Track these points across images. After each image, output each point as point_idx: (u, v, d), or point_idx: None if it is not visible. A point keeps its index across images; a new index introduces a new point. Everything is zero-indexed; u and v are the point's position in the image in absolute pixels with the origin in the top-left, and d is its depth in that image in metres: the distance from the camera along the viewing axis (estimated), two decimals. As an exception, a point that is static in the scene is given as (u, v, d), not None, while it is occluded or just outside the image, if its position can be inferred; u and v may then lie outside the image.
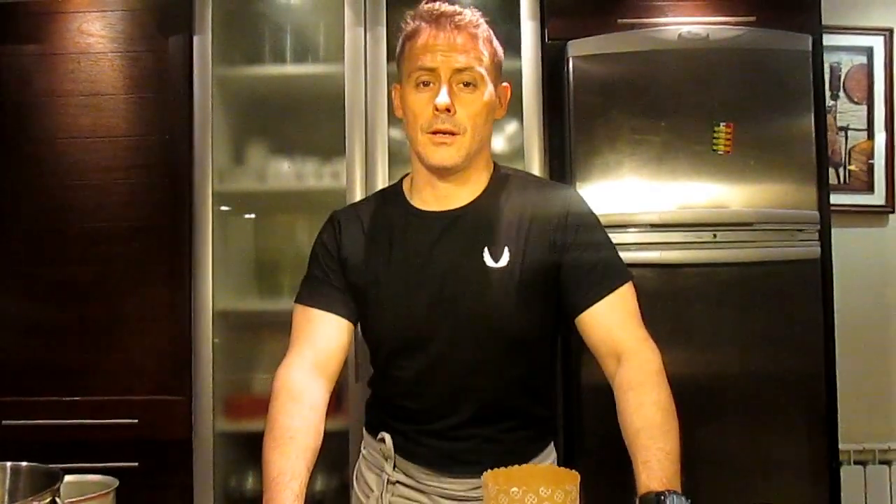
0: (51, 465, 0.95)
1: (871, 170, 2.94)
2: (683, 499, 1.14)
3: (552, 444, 1.49)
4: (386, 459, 1.42)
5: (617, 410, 1.29)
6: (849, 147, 2.93)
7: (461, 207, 1.40)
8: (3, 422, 2.26)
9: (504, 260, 1.36)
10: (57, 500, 0.88)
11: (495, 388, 1.37)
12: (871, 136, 2.94)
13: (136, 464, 2.20)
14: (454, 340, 1.35)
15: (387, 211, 1.46)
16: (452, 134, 1.33)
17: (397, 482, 1.41)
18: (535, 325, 1.39)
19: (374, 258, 1.40)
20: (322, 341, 1.39)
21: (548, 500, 1.04)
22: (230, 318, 2.44)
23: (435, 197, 1.41)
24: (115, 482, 1.10)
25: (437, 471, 1.39)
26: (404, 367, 1.39)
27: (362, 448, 1.54)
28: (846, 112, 2.93)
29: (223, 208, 2.45)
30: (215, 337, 2.34)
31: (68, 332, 2.35)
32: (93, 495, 1.06)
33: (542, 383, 1.47)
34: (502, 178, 1.45)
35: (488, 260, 1.36)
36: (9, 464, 0.98)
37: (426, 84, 1.34)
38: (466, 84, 1.33)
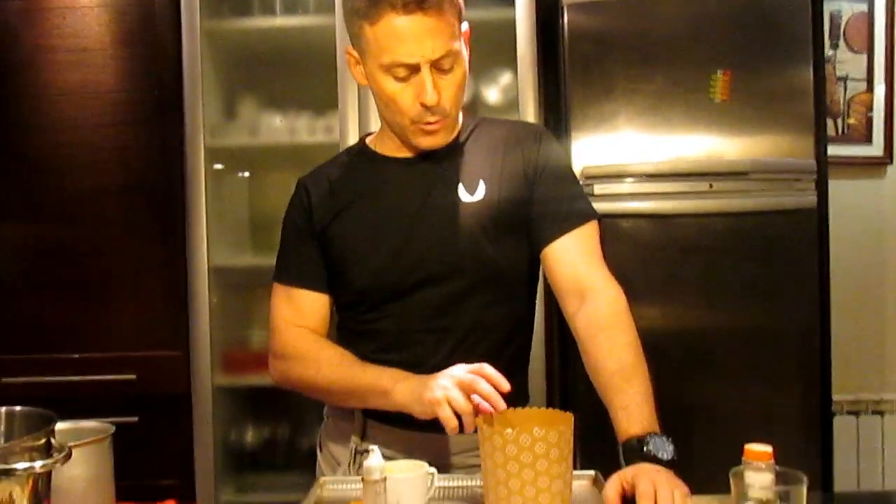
0: (45, 410, 0.95)
1: (869, 122, 2.92)
2: (665, 439, 1.15)
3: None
4: (354, 426, 1.40)
5: (583, 351, 1.28)
6: (848, 98, 2.91)
7: (434, 151, 1.38)
8: (2, 379, 2.27)
9: (479, 194, 1.35)
10: (52, 440, 0.88)
11: (475, 328, 1.35)
12: (870, 87, 2.91)
13: (136, 419, 2.22)
14: (434, 279, 1.34)
15: (355, 166, 1.44)
16: (441, 120, 1.32)
17: (366, 451, 1.34)
18: (513, 260, 1.38)
19: (348, 214, 1.38)
20: (305, 319, 1.39)
21: (541, 440, 1.04)
22: (225, 274, 2.44)
23: (409, 149, 1.39)
24: (112, 428, 1.11)
25: (413, 428, 1.33)
26: (383, 318, 1.37)
27: (325, 416, 1.52)
28: (846, 61, 2.90)
29: (216, 166, 2.44)
30: (211, 293, 2.34)
31: (64, 289, 2.36)
32: (90, 440, 1.06)
33: (522, 331, 1.45)
34: (473, 120, 1.44)
35: (463, 195, 1.35)
36: (3, 408, 0.98)
37: (403, 73, 1.27)
38: (446, 66, 1.28)
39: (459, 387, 1.15)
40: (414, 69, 1.26)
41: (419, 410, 1.18)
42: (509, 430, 1.06)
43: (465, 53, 1.33)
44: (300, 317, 1.40)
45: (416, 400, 1.19)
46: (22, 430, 0.96)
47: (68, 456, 0.86)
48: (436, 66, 1.27)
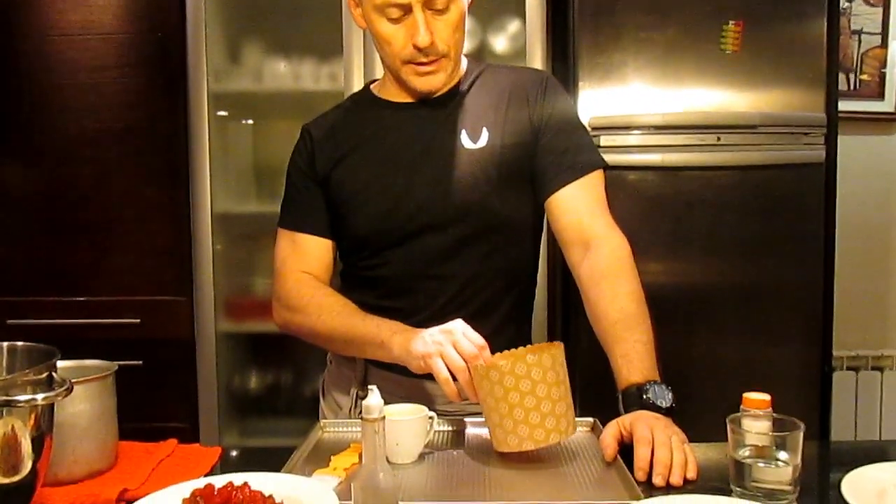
0: (47, 345, 0.95)
1: (882, 78, 2.88)
2: (664, 387, 1.15)
3: None
4: (355, 371, 1.41)
5: (586, 300, 1.29)
6: (861, 52, 2.86)
7: (439, 96, 1.37)
8: (7, 321, 2.29)
9: (483, 140, 1.34)
10: (54, 374, 0.89)
11: (477, 276, 1.35)
12: (885, 42, 2.86)
13: (140, 362, 2.24)
14: (435, 226, 1.33)
15: (358, 111, 1.43)
16: (435, 61, 1.29)
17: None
18: (516, 208, 1.37)
19: (350, 160, 1.37)
20: (309, 264, 1.39)
21: (536, 366, 1.06)
22: (230, 221, 2.43)
23: (412, 94, 1.37)
24: (115, 366, 1.12)
25: (414, 375, 1.32)
26: (386, 264, 1.37)
27: (329, 361, 1.53)
28: (861, 14, 2.84)
29: (220, 113, 2.42)
30: (215, 239, 2.35)
31: (68, 232, 2.36)
32: (94, 377, 1.07)
33: (525, 280, 1.45)
34: (478, 66, 1.42)
35: (466, 141, 1.34)
36: (5, 343, 0.99)
37: (396, 14, 1.26)
38: (440, 9, 1.26)
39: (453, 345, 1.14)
40: (406, 9, 1.25)
41: (415, 365, 1.18)
42: (503, 363, 1.07)
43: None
44: (304, 262, 1.40)
45: (411, 354, 1.18)
46: (24, 364, 0.97)
47: (70, 389, 0.86)
48: (428, 5, 1.25)
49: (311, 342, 1.41)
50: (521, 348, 1.19)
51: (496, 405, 1.07)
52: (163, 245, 2.35)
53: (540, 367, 1.06)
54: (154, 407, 2.27)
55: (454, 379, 1.13)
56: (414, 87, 1.33)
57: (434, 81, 1.32)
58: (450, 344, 1.14)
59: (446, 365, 1.13)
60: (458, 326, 1.16)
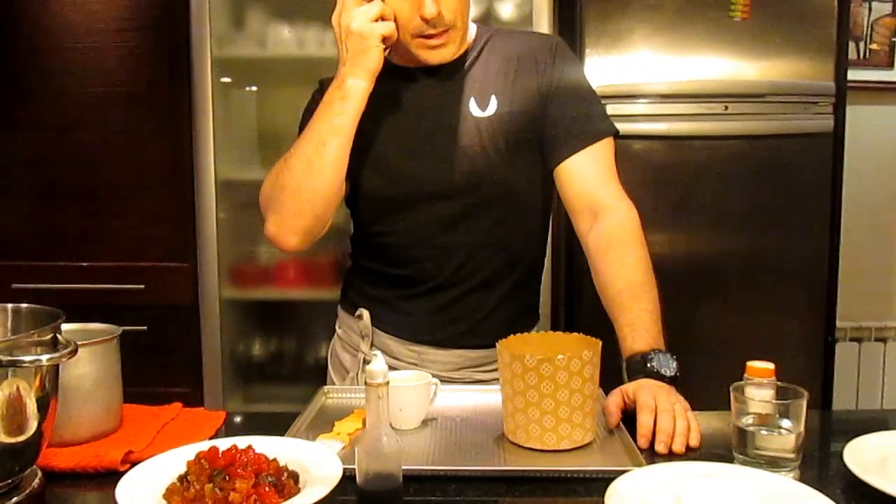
0: (52, 308, 0.95)
1: (892, 47, 2.84)
2: (669, 356, 1.15)
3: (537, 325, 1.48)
4: (363, 338, 1.41)
5: (593, 268, 1.28)
6: (872, 20, 2.82)
7: (447, 64, 1.34)
8: (13, 285, 2.29)
9: (491, 108, 1.32)
10: (58, 336, 0.89)
11: (485, 245, 1.35)
12: (896, 11, 2.82)
13: (144, 328, 2.25)
14: (444, 193, 1.33)
15: None
16: (444, 32, 1.27)
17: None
18: (525, 177, 1.36)
19: (362, 122, 1.33)
20: None
21: (563, 370, 1.00)
22: (234, 188, 2.42)
23: (423, 62, 1.35)
24: (119, 329, 1.12)
25: (420, 341, 1.37)
26: (394, 231, 1.36)
27: (337, 327, 1.52)
28: (872, -18, 2.80)
29: (224, 80, 2.40)
30: (219, 206, 2.34)
31: (72, 197, 2.36)
32: (99, 339, 1.07)
33: (533, 249, 1.44)
34: (486, 32, 1.40)
35: (475, 109, 1.32)
36: (10, 305, 0.99)
37: None
38: None
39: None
40: None
41: (360, 63, 1.21)
42: (529, 357, 1.02)
43: None
44: None
45: (350, 52, 1.22)
46: (29, 326, 0.97)
47: (74, 351, 0.86)
48: None
49: (295, 201, 1.27)
50: (556, 334, 1.14)
51: (513, 396, 1.04)
52: (167, 211, 2.35)
53: (566, 371, 1.01)
54: (158, 372, 2.28)
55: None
56: (424, 60, 1.31)
57: (444, 53, 1.30)
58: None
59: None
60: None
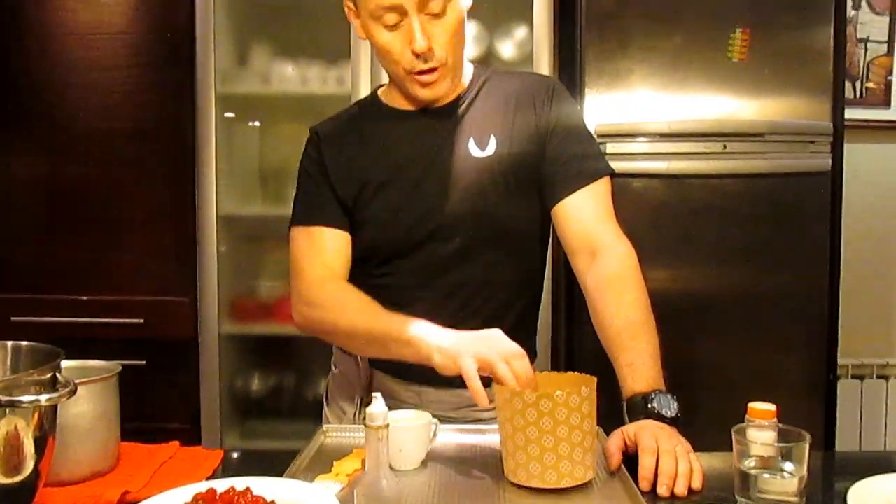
0: (52, 346, 0.95)
1: (888, 86, 2.87)
2: (669, 396, 1.15)
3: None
4: (360, 377, 1.40)
5: (592, 308, 1.28)
6: (868, 60, 2.85)
7: (445, 105, 1.36)
8: (12, 318, 2.29)
9: (490, 148, 1.33)
10: (58, 375, 0.88)
11: (484, 285, 1.35)
12: (891, 50, 2.86)
13: (143, 362, 2.24)
14: (443, 235, 1.33)
15: (367, 118, 1.42)
16: (435, 69, 1.28)
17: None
18: (524, 216, 1.37)
19: (359, 166, 1.36)
20: (328, 258, 1.35)
21: (563, 406, 1.00)
22: (235, 223, 2.44)
23: (419, 102, 1.37)
24: (118, 367, 1.12)
25: (419, 380, 1.36)
26: (394, 272, 1.36)
27: (333, 366, 1.51)
28: (867, 23, 2.84)
29: (228, 114, 2.42)
30: (220, 241, 2.35)
31: (75, 231, 2.36)
32: (97, 378, 1.07)
33: (531, 289, 1.44)
34: (483, 73, 1.41)
35: (474, 150, 1.33)
36: (9, 342, 0.99)
37: (392, 19, 1.25)
38: (436, 9, 1.24)
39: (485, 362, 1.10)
40: (402, 13, 1.24)
41: (441, 363, 1.13)
42: (529, 394, 1.02)
43: (464, 1, 1.30)
44: (322, 256, 1.35)
45: (442, 352, 1.13)
46: (28, 364, 0.97)
47: (73, 391, 0.86)
48: (424, 10, 1.24)
49: (329, 340, 1.39)
50: (552, 374, 1.14)
51: (513, 434, 1.04)
52: (168, 245, 2.36)
53: (566, 407, 1.01)
54: (156, 407, 2.27)
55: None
56: (418, 96, 1.32)
57: (437, 91, 1.31)
58: (485, 346, 1.10)
59: (482, 360, 1.09)
60: (495, 334, 1.13)
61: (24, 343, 0.98)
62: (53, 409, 0.90)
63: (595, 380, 1.07)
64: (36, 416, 0.86)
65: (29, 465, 0.86)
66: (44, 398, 0.83)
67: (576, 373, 1.12)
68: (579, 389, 1.02)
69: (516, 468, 1.04)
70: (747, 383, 2.18)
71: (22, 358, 0.98)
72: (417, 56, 1.25)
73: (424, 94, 1.31)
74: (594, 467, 1.05)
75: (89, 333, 2.27)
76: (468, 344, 1.12)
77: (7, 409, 0.82)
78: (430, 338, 1.16)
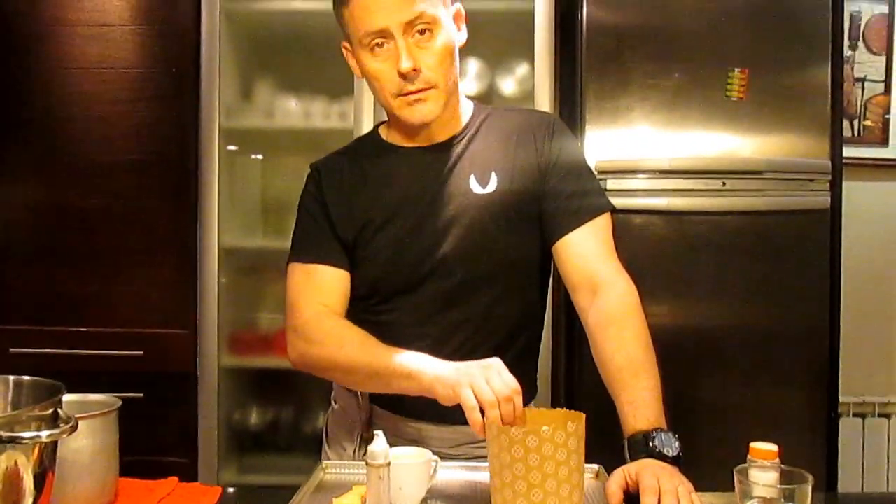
0: (53, 380, 0.95)
1: (886, 124, 2.90)
2: (671, 435, 1.14)
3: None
4: (361, 414, 1.39)
5: (593, 345, 1.28)
6: (865, 99, 2.89)
7: (445, 141, 1.37)
8: (11, 350, 2.29)
9: (491, 186, 1.34)
10: (59, 411, 0.88)
11: (486, 321, 1.35)
12: (888, 88, 2.89)
13: (141, 395, 2.23)
14: (444, 271, 1.33)
15: (367, 155, 1.43)
16: (424, 90, 1.29)
17: (371, 438, 1.32)
18: (525, 252, 1.37)
19: (359, 203, 1.37)
20: (326, 296, 1.35)
21: (549, 441, 1.01)
22: (236, 255, 2.45)
23: (417, 138, 1.38)
24: (118, 402, 1.11)
25: (420, 417, 1.35)
26: (394, 310, 1.36)
27: (333, 402, 1.51)
28: (864, 63, 2.88)
29: (230, 147, 2.44)
30: (221, 273, 2.35)
31: (76, 263, 2.37)
32: (97, 412, 1.07)
33: (533, 324, 1.45)
34: (483, 110, 1.43)
35: (475, 186, 1.34)
36: (11, 377, 0.99)
37: (380, 45, 1.27)
38: (422, 32, 1.26)
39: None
40: (387, 36, 1.26)
41: (443, 394, 1.14)
42: (516, 431, 1.02)
43: (452, 28, 1.32)
44: (320, 293, 1.35)
45: (442, 382, 1.14)
46: (29, 399, 0.97)
47: (75, 427, 0.86)
48: (410, 30, 1.26)
49: (327, 377, 1.37)
50: (540, 410, 1.14)
51: (501, 470, 1.04)
52: (169, 277, 2.36)
53: (552, 444, 1.01)
54: (153, 441, 2.25)
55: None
56: (406, 119, 1.32)
57: (424, 111, 1.30)
58: (483, 378, 1.11)
59: (476, 397, 1.09)
60: (495, 364, 1.14)
61: (26, 378, 0.98)
62: (54, 444, 0.90)
63: (583, 416, 1.07)
64: (36, 451, 0.86)
65: (28, 502, 0.86)
66: (45, 434, 0.83)
67: (565, 409, 1.13)
68: (565, 425, 1.03)
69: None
70: (747, 420, 2.17)
71: (24, 392, 0.98)
72: (404, 77, 1.27)
73: (413, 114, 1.30)
74: (582, 503, 1.05)
75: (89, 366, 2.26)
76: (468, 374, 1.12)
77: (8, 445, 0.81)
78: (430, 369, 1.16)
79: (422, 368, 1.17)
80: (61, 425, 0.86)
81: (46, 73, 2.35)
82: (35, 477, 0.86)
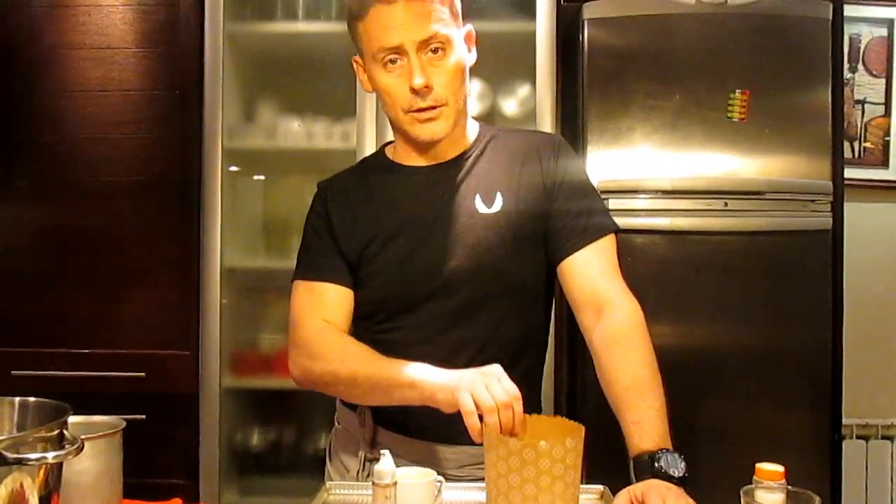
0: (59, 402, 0.95)
1: (886, 146, 2.92)
2: (677, 455, 1.14)
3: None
4: (364, 435, 1.39)
5: (598, 364, 1.28)
6: (865, 121, 2.90)
7: (451, 160, 1.39)
8: (13, 372, 2.28)
9: (497, 205, 1.35)
10: (65, 432, 0.88)
11: (490, 341, 1.35)
12: (888, 111, 2.91)
13: (143, 416, 2.22)
14: (448, 290, 1.33)
15: (373, 174, 1.44)
16: (435, 108, 1.31)
17: (375, 459, 1.34)
18: (529, 272, 1.38)
19: (365, 223, 1.38)
20: (329, 313, 1.36)
21: (546, 456, 1.01)
22: (238, 276, 2.45)
23: (423, 157, 1.40)
24: (122, 423, 1.11)
25: (425, 438, 1.35)
26: (399, 328, 1.37)
27: (336, 423, 1.51)
28: (864, 85, 2.89)
29: (233, 168, 2.46)
30: (222, 294, 2.35)
31: (77, 285, 2.37)
32: (102, 434, 1.07)
33: (537, 344, 1.45)
34: (489, 130, 1.44)
35: (480, 206, 1.35)
36: (17, 398, 0.99)
37: (393, 61, 1.29)
38: (434, 51, 1.29)
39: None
40: (402, 53, 1.28)
41: (443, 399, 1.14)
42: (514, 441, 1.03)
43: (464, 48, 1.34)
44: (322, 310, 1.36)
45: (442, 388, 1.15)
46: (35, 420, 0.97)
47: (80, 448, 0.86)
48: (423, 49, 1.28)
49: (329, 392, 1.37)
50: (540, 418, 1.15)
51: (497, 479, 1.04)
52: (171, 298, 2.36)
53: (549, 458, 1.01)
54: (155, 462, 2.25)
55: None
56: (416, 135, 1.34)
57: (435, 129, 1.32)
58: (482, 384, 1.11)
59: (475, 403, 1.09)
60: (495, 370, 1.14)
61: (32, 399, 0.99)
62: (59, 466, 0.90)
63: (583, 429, 1.08)
64: (42, 473, 0.85)
65: (33, 524, 0.85)
66: (51, 456, 0.83)
67: (565, 419, 1.13)
68: (564, 440, 1.03)
69: None
70: (751, 442, 2.16)
71: (29, 414, 0.98)
72: (416, 93, 1.28)
73: (423, 132, 1.33)
74: None
75: (91, 387, 2.26)
76: (467, 380, 1.13)
77: (14, 467, 0.81)
78: (431, 378, 1.17)
79: (423, 378, 1.18)
80: (67, 447, 0.86)
81: (50, 95, 2.37)
82: (41, 499, 0.86)
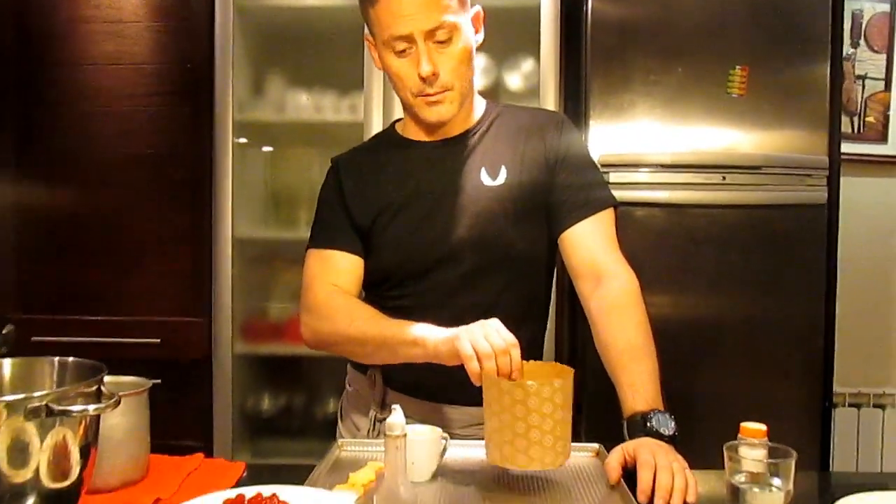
0: (95, 361, 1.02)
1: (886, 121, 2.95)
2: (668, 416, 1.22)
3: None
4: (374, 396, 1.46)
5: (595, 330, 1.35)
6: (866, 96, 2.94)
7: (458, 135, 1.45)
8: (33, 338, 2.35)
9: (501, 178, 1.41)
10: (102, 388, 0.96)
11: (491, 308, 1.37)
12: (888, 86, 2.94)
13: (159, 381, 2.29)
14: (453, 258, 1.40)
15: (384, 149, 1.51)
16: (442, 92, 1.37)
17: (384, 419, 1.40)
18: (531, 242, 1.44)
19: (376, 195, 1.45)
20: (339, 278, 1.43)
21: (535, 395, 1.08)
22: (248, 246, 2.51)
23: (431, 134, 1.46)
24: (149, 382, 1.19)
25: (433, 400, 1.43)
26: (405, 295, 1.43)
27: (347, 385, 1.59)
28: (865, 60, 2.93)
29: (242, 140, 2.51)
30: (234, 263, 2.42)
31: (94, 255, 2.44)
32: (132, 391, 1.14)
33: (537, 314, 1.52)
34: (495, 107, 1.50)
35: (485, 179, 1.41)
36: (56, 358, 1.06)
37: (403, 50, 1.34)
38: (442, 39, 1.34)
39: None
40: (411, 41, 1.33)
41: (445, 351, 1.20)
42: (505, 382, 1.10)
43: (471, 31, 1.40)
44: (333, 275, 1.43)
45: (444, 341, 1.20)
46: (74, 378, 1.04)
47: (118, 402, 0.93)
48: (431, 37, 1.33)
49: (338, 351, 1.44)
50: (538, 363, 1.20)
51: (490, 417, 1.12)
52: (184, 267, 2.42)
53: (538, 397, 1.08)
54: (170, 425, 2.29)
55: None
56: (424, 118, 1.40)
57: (441, 111, 1.39)
58: (481, 333, 1.16)
59: (474, 350, 1.15)
60: (493, 323, 1.20)
61: (70, 359, 1.06)
62: (96, 420, 0.97)
63: (572, 371, 1.15)
64: (82, 426, 0.93)
65: (75, 472, 0.93)
66: (91, 408, 0.90)
67: (559, 365, 1.20)
68: (552, 381, 1.10)
69: (491, 450, 1.13)
70: (744, 409, 2.19)
71: (68, 372, 1.05)
72: (424, 80, 1.35)
73: (430, 114, 1.39)
74: (565, 454, 1.12)
75: (107, 353, 2.27)
76: (467, 330, 1.18)
77: (58, 419, 0.89)
78: (434, 334, 1.23)
79: (426, 334, 1.24)
80: (104, 401, 0.93)
81: (62, 69, 2.41)
82: (81, 449, 0.93)
